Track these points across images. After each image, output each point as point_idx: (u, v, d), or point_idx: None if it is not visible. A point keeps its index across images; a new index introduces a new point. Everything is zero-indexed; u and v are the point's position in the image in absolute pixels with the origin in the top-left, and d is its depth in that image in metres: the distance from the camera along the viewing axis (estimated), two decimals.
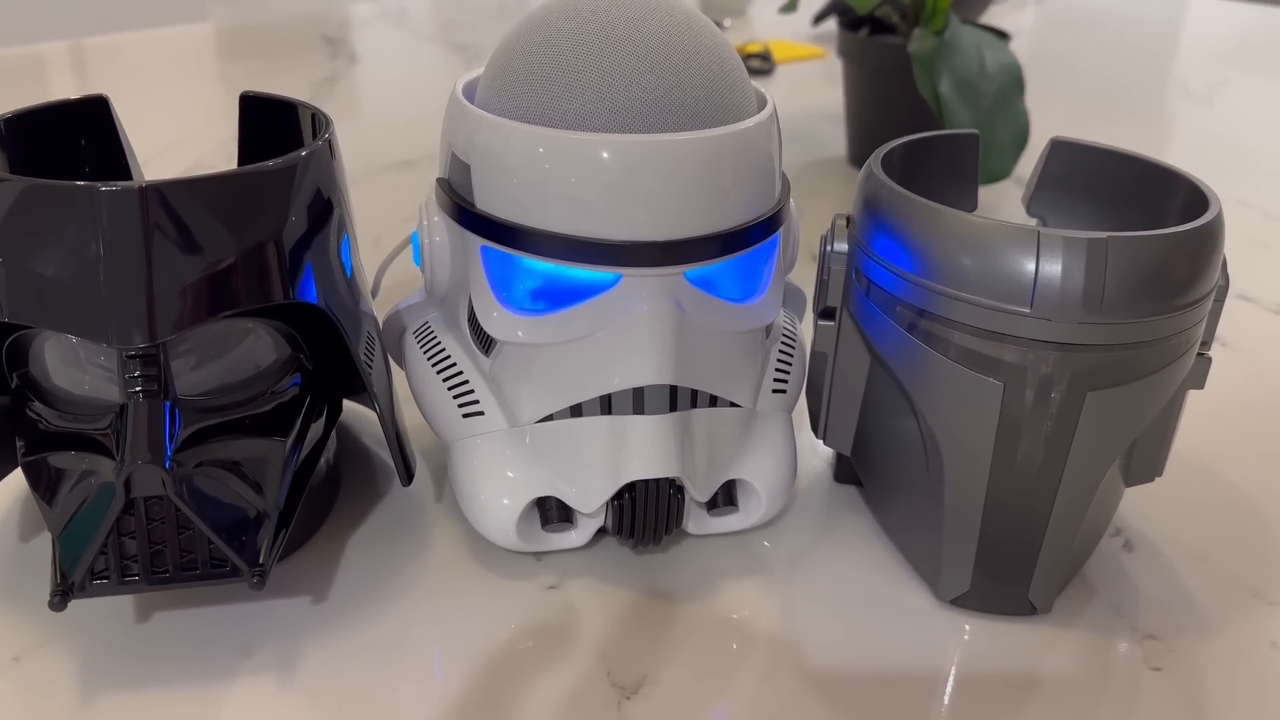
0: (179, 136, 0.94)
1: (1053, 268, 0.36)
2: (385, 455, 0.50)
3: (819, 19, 1.36)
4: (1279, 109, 1.15)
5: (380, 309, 0.46)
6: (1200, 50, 1.44)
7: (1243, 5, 1.67)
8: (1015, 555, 0.40)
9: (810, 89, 1.16)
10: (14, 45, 1.23)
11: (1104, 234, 0.36)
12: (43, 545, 0.44)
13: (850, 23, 0.89)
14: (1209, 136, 1.05)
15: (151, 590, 0.38)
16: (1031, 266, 0.36)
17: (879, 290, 0.40)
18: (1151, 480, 0.44)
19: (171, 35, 1.33)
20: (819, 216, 0.49)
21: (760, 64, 1.21)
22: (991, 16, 1.31)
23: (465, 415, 0.42)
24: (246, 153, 0.48)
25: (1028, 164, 0.78)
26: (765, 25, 1.45)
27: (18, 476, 0.45)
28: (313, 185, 0.38)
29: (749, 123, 0.39)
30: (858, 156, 0.90)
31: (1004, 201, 0.81)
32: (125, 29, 1.33)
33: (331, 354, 0.43)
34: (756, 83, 0.43)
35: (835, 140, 0.95)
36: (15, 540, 0.44)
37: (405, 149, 0.91)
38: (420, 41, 1.37)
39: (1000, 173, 0.76)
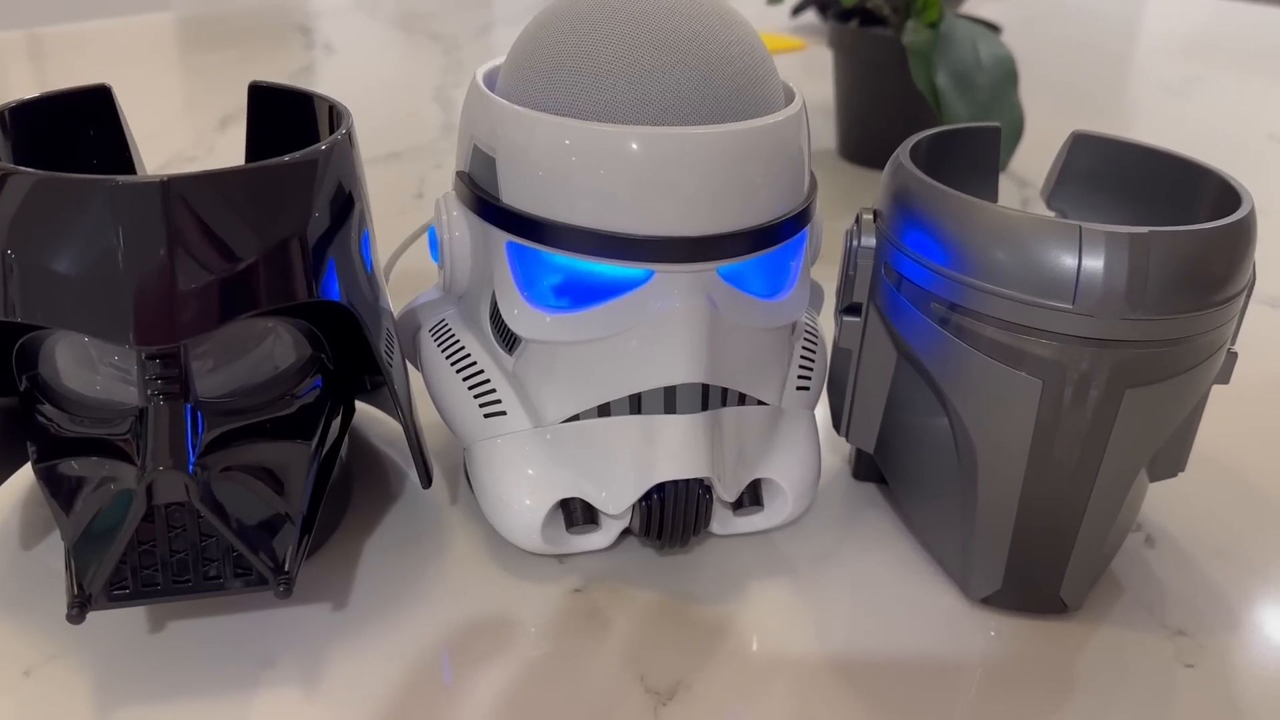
0: (155, 128, 0.92)
1: (1095, 263, 0.35)
2: (394, 456, 0.49)
3: (797, 10, 1.36)
4: (1256, 103, 1.17)
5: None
6: (1164, 44, 1.45)
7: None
8: (1048, 553, 0.40)
9: (793, 81, 1.15)
10: None
11: (1145, 229, 0.35)
12: (47, 554, 0.42)
13: (841, 14, 0.88)
14: (1190, 131, 1.06)
15: (173, 600, 0.36)
16: (1073, 261, 0.36)
17: (911, 285, 0.40)
18: (1175, 475, 0.43)
19: (135, 24, 1.30)
20: None
21: None
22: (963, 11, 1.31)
23: (487, 415, 0.41)
24: (254, 145, 0.46)
25: (1020, 158, 0.79)
26: None
27: (12, 483, 0.43)
28: (334, 179, 0.37)
29: (781, 116, 0.39)
30: (848, 149, 0.89)
31: (1000, 195, 0.81)
32: (85, 18, 1.29)
33: (347, 353, 0.42)
34: None
35: (822, 132, 0.95)
36: (16, 548, 0.42)
37: (389, 142, 0.89)
38: (397, 31, 1.35)
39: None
